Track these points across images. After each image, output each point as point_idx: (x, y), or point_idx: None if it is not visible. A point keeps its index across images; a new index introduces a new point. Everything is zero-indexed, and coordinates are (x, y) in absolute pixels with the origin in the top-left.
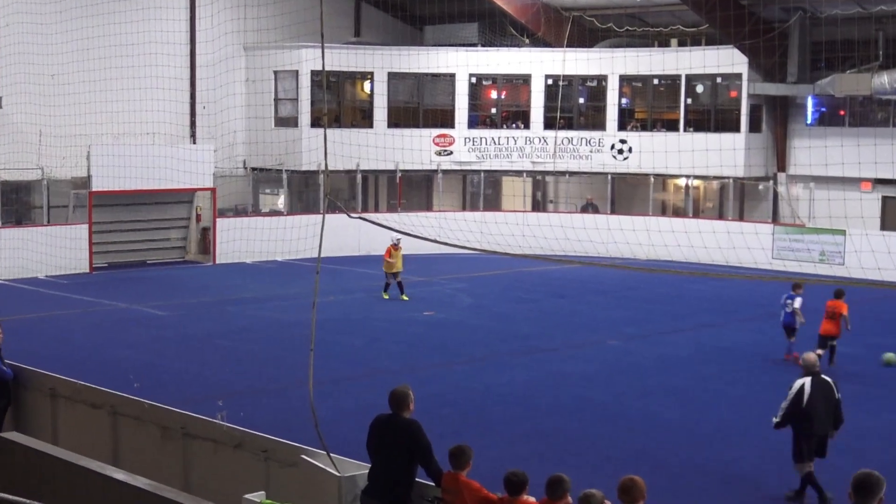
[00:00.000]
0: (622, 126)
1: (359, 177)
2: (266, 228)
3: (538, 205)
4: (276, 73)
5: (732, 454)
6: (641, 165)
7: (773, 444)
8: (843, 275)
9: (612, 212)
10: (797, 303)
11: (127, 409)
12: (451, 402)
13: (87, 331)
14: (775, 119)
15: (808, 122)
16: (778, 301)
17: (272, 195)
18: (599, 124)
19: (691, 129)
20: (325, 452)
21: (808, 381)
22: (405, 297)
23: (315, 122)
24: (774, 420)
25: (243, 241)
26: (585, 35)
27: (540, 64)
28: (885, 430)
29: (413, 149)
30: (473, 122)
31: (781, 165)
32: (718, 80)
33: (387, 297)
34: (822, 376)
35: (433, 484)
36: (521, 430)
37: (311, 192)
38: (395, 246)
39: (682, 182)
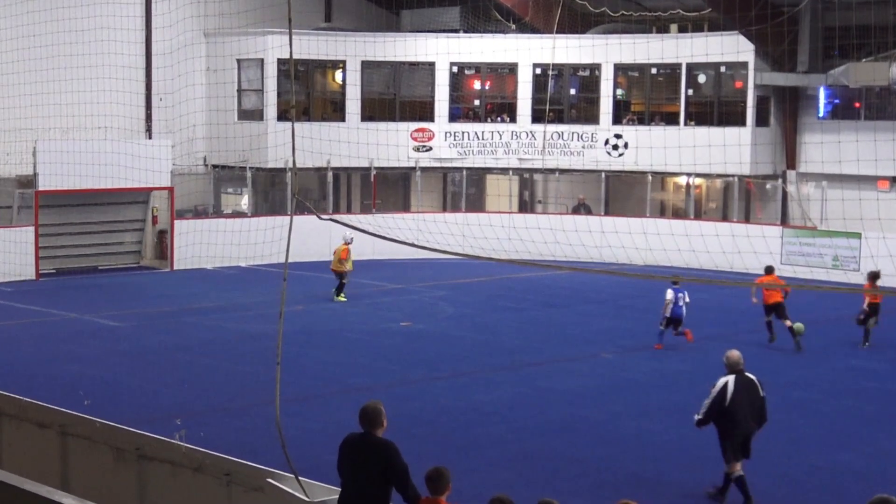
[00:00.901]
0: (617, 120)
1: (329, 175)
2: (228, 231)
3: (525, 205)
4: (239, 61)
5: None
6: (638, 162)
7: (781, 469)
8: (859, 281)
9: (607, 213)
10: (687, 297)
11: (77, 429)
12: (430, 421)
13: (33, 343)
14: (784, 112)
15: (820, 115)
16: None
17: (235, 195)
18: (592, 118)
19: (693, 123)
20: (293, 476)
21: (731, 379)
22: (343, 298)
23: (282, 116)
24: (696, 417)
25: (203, 244)
26: (577, 20)
27: (527, 52)
28: None
29: (389, 144)
30: (455, 116)
31: (791, 162)
32: (722, 69)
33: (344, 298)
34: (747, 374)
35: None
36: (506, 451)
37: (277, 191)
38: (348, 244)
39: (682, 181)
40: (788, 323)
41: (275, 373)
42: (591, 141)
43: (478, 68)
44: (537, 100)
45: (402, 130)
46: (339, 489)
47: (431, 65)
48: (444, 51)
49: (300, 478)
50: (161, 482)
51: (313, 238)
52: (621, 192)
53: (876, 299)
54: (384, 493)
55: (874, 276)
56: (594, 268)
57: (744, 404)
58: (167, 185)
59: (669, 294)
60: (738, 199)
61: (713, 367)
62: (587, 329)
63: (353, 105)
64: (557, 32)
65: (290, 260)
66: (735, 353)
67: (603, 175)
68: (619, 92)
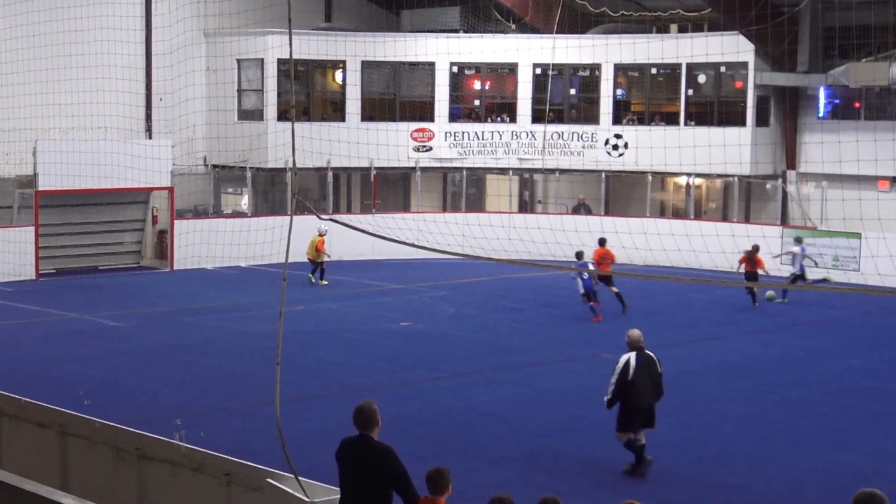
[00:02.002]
0: (617, 120)
1: (329, 175)
2: (228, 231)
3: (525, 205)
4: (239, 61)
5: (738, 480)
6: (638, 162)
7: (785, 469)
8: (859, 281)
9: (607, 213)
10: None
11: (77, 429)
12: (430, 422)
13: (33, 343)
14: (784, 112)
15: (821, 115)
16: (788, 309)
17: (235, 195)
18: (592, 118)
19: (693, 123)
20: (292, 476)
21: (633, 355)
22: (325, 282)
23: (282, 116)
24: (606, 398)
25: (203, 244)
26: (577, 20)
27: (527, 52)
28: None
29: (389, 144)
30: (455, 116)
31: (791, 162)
32: (722, 69)
33: (325, 282)
34: (646, 351)
35: None
36: (506, 451)
37: (277, 191)
38: (323, 235)
39: (682, 181)
40: (615, 289)
41: (275, 373)
42: (591, 141)
43: (478, 68)
44: (537, 100)
45: (402, 130)
46: (339, 490)
47: (431, 65)
48: (444, 51)
49: (300, 478)
50: (161, 482)
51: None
52: (621, 192)
53: (751, 269)
54: (384, 496)
55: (755, 250)
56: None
57: (645, 379)
58: (167, 185)
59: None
60: (738, 199)
61: (713, 366)
62: (587, 329)
63: (353, 105)
64: (557, 32)
65: (290, 260)
66: (636, 332)
67: (603, 175)
68: (619, 92)
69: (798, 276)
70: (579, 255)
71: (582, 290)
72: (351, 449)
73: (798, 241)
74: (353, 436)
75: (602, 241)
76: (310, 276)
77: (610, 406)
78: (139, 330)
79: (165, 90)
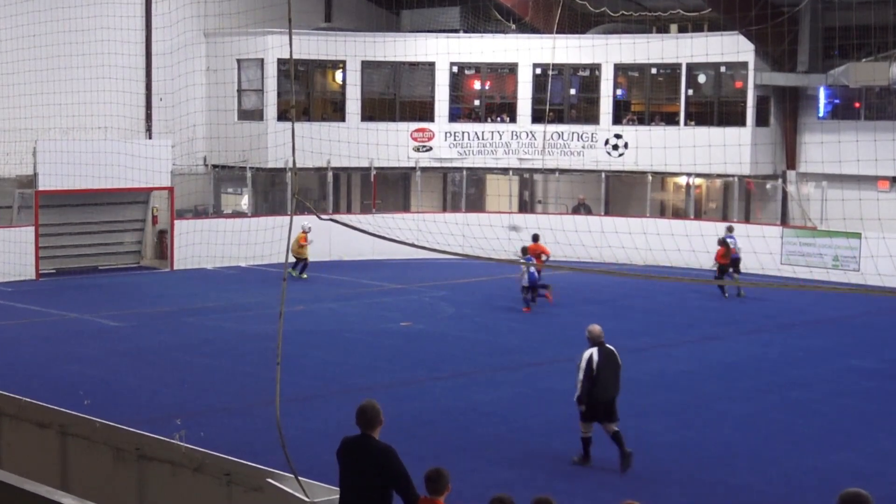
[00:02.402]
0: (617, 120)
1: (329, 175)
2: (228, 231)
3: (526, 205)
4: (239, 61)
5: (738, 480)
6: (638, 162)
7: (785, 469)
8: (859, 281)
9: (607, 213)
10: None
11: (77, 429)
12: (430, 422)
13: (33, 343)
14: (784, 112)
15: (821, 115)
16: (788, 309)
17: (235, 195)
18: (592, 118)
19: (693, 123)
20: (292, 476)
21: (595, 350)
22: (305, 276)
23: (282, 116)
24: (577, 396)
25: (203, 244)
26: (577, 20)
27: (527, 52)
28: None
29: (389, 144)
30: (455, 116)
31: (791, 163)
32: (722, 69)
33: (305, 276)
34: (607, 346)
35: None
36: (506, 451)
37: (277, 191)
38: (307, 232)
39: (682, 181)
40: (544, 286)
41: (275, 373)
42: (592, 141)
43: (478, 68)
44: (537, 100)
45: (401, 130)
46: (339, 490)
47: (431, 65)
48: (444, 51)
49: (300, 478)
50: (161, 482)
51: (313, 238)
52: (621, 192)
53: (722, 260)
54: (385, 497)
55: (723, 241)
56: (594, 268)
57: (608, 372)
58: (167, 184)
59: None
60: (738, 199)
61: (713, 366)
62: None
63: (353, 105)
64: (557, 32)
65: (289, 260)
66: (597, 328)
67: (603, 175)
68: (619, 92)
69: (733, 263)
70: (525, 250)
71: (527, 283)
72: (352, 448)
73: (730, 230)
74: (355, 435)
75: (535, 237)
76: (291, 270)
77: (581, 403)
78: (139, 330)
79: (165, 90)
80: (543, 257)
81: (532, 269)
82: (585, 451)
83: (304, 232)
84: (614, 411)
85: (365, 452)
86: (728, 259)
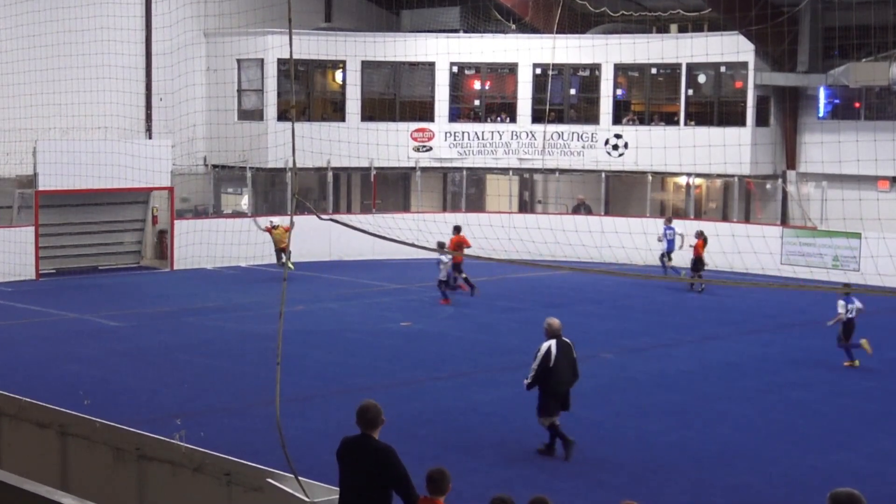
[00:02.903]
0: (617, 120)
1: (329, 175)
2: (228, 231)
3: (525, 205)
4: (239, 61)
5: (738, 480)
6: (638, 162)
7: (785, 469)
8: (859, 281)
9: (607, 213)
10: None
11: (77, 429)
12: (430, 422)
13: (33, 343)
14: (784, 112)
15: (821, 115)
16: (788, 309)
17: (235, 195)
18: (592, 118)
19: (693, 123)
20: (293, 476)
21: (553, 343)
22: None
23: (282, 115)
24: (526, 382)
25: (203, 244)
26: (577, 20)
27: (527, 52)
28: None
29: (389, 144)
30: (455, 116)
31: (791, 163)
32: (722, 69)
33: (292, 266)
34: (564, 338)
35: None
36: (506, 451)
37: (277, 191)
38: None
39: (682, 181)
40: (464, 275)
41: (275, 373)
42: (592, 141)
43: (478, 68)
44: (537, 100)
45: (401, 130)
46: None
47: (431, 65)
48: (444, 51)
49: (300, 478)
50: (161, 482)
51: (313, 238)
52: (621, 192)
53: (698, 254)
54: (384, 496)
55: (700, 234)
56: (594, 268)
57: (563, 364)
58: (167, 184)
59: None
60: (738, 199)
61: (713, 366)
62: (587, 329)
63: (353, 105)
64: (557, 32)
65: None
66: (556, 321)
67: (603, 175)
68: (619, 92)
69: (666, 255)
70: (441, 244)
71: (444, 277)
72: (351, 448)
73: (669, 220)
74: (355, 435)
75: (457, 229)
76: (289, 264)
77: (529, 388)
78: (139, 330)
79: (165, 90)
80: (467, 249)
81: (447, 261)
82: (562, 437)
83: (274, 227)
84: (568, 403)
85: (365, 452)
86: (701, 251)
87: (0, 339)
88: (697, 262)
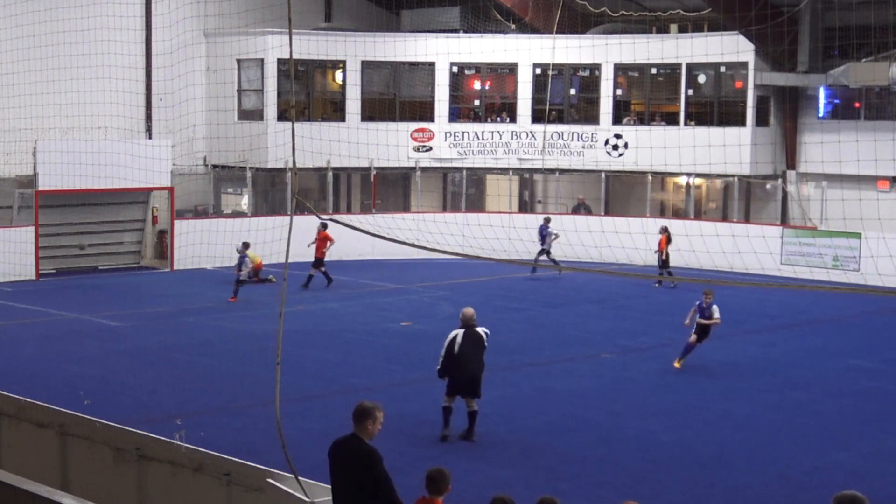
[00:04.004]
0: (617, 120)
1: (330, 175)
2: (228, 231)
3: (525, 205)
4: (239, 61)
5: (738, 480)
6: (638, 162)
7: (782, 469)
8: (859, 281)
9: (607, 213)
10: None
11: (77, 429)
12: (431, 422)
13: (33, 343)
14: (784, 112)
15: (820, 115)
16: (788, 309)
17: (235, 195)
18: (592, 118)
19: (693, 123)
20: (293, 476)
21: (461, 332)
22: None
23: (282, 115)
24: (437, 369)
25: (203, 244)
26: (577, 20)
27: (527, 52)
28: None
29: (389, 144)
30: (455, 116)
31: (791, 162)
32: (722, 69)
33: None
34: (476, 329)
35: None
36: (506, 451)
37: (277, 191)
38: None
39: (682, 181)
40: (313, 272)
41: (275, 373)
42: (592, 141)
43: (478, 68)
44: (537, 100)
45: (401, 130)
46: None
47: (431, 65)
48: (444, 51)
49: (300, 478)
50: (161, 482)
51: (313, 238)
52: (621, 192)
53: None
54: (375, 496)
55: (665, 230)
56: (594, 268)
57: (468, 353)
58: (167, 184)
59: None
60: (739, 199)
61: (713, 366)
62: (587, 329)
63: (353, 105)
64: (557, 32)
65: (290, 260)
66: (469, 311)
67: (603, 175)
68: (619, 92)
69: (543, 252)
70: (246, 244)
71: (245, 276)
72: (339, 448)
73: (546, 220)
74: (345, 435)
75: (324, 226)
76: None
77: (441, 377)
78: (139, 330)
79: (165, 90)
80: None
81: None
82: (445, 420)
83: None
84: (477, 389)
85: (350, 452)
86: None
87: (0, 339)
88: (662, 259)
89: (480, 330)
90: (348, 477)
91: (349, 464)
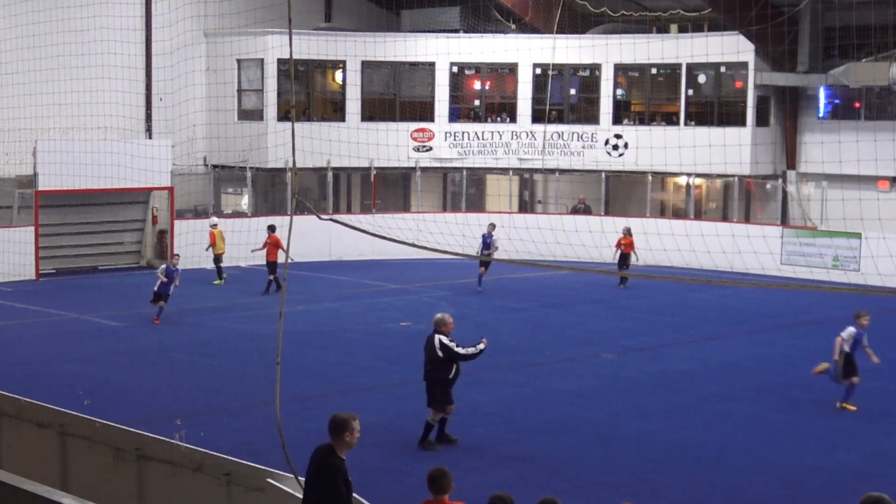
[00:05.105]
0: (617, 120)
1: (330, 175)
2: (228, 231)
3: (525, 205)
4: (239, 61)
5: (739, 480)
6: (638, 163)
7: (785, 469)
8: (859, 281)
9: (607, 213)
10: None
11: (77, 429)
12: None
13: (33, 343)
14: (784, 112)
15: (821, 115)
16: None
17: (235, 195)
18: (592, 118)
19: (693, 123)
20: (292, 476)
21: (441, 338)
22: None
23: (282, 116)
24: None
25: (203, 244)
26: (577, 20)
27: (528, 52)
28: None
29: (389, 144)
30: (455, 116)
31: (791, 162)
32: (722, 69)
33: (221, 281)
34: (436, 335)
35: None
36: (506, 451)
37: (277, 191)
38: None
39: (682, 181)
40: (273, 277)
41: (275, 373)
42: (592, 141)
43: (478, 68)
44: (537, 100)
45: (402, 130)
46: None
47: (431, 65)
48: (444, 51)
49: (300, 478)
50: (161, 482)
51: (313, 238)
52: (621, 193)
53: (626, 251)
54: None
55: (628, 231)
56: (594, 268)
57: (425, 359)
58: (167, 184)
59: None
60: (739, 199)
61: (713, 367)
62: (587, 329)
63: (353, 105)
64: (557, 32)
65: (290, 260)
66: (437, 316)
67: (603, 175)
68: (619, 92)
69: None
70: (214, 225)
71: (157, 288)
72: (315, 455)
73: (492, 226)
74: (325, 444)
75: (272, 228)
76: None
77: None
78: (139, 330)
79: (165, 90)
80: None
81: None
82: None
83: (214, 227)
84: (429, 397)
85: (320, 463)
86: (631, 248)
87: (0, 339)
88: (623, 258)
89: (438, 337)
90: (313, 485)
91: (316, 473)
